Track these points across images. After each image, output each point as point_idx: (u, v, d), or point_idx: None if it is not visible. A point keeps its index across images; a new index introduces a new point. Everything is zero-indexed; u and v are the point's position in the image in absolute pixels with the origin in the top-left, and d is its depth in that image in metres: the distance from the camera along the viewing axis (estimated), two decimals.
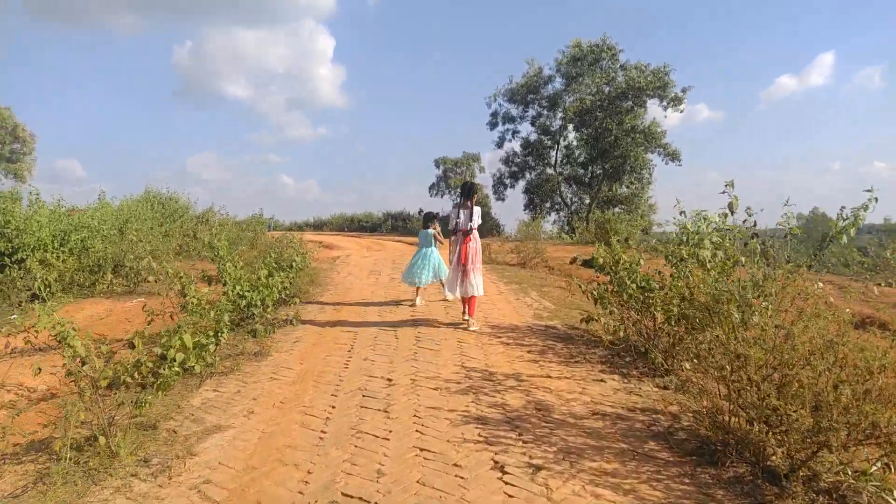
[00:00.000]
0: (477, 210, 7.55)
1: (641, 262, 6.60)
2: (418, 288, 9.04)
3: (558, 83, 31.04)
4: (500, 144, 33.69)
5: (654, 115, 30.28)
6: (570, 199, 33.34)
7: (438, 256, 9.05)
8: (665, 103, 28.32)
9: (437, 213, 9.42)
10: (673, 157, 28.58)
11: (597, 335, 6.91)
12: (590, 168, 31.12)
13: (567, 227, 30.24)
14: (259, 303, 7.85)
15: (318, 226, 41.74)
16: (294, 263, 9.54)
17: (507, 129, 33.39)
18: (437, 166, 37.88)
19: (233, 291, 7.66)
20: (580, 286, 6.87)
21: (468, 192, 7.62)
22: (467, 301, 7.55)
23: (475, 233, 7.51)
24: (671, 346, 5.71)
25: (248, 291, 7.89)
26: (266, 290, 8.06)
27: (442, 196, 37.08)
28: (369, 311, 8.53)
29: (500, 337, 6.90)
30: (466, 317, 7.56)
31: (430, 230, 9.13)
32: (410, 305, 8.93)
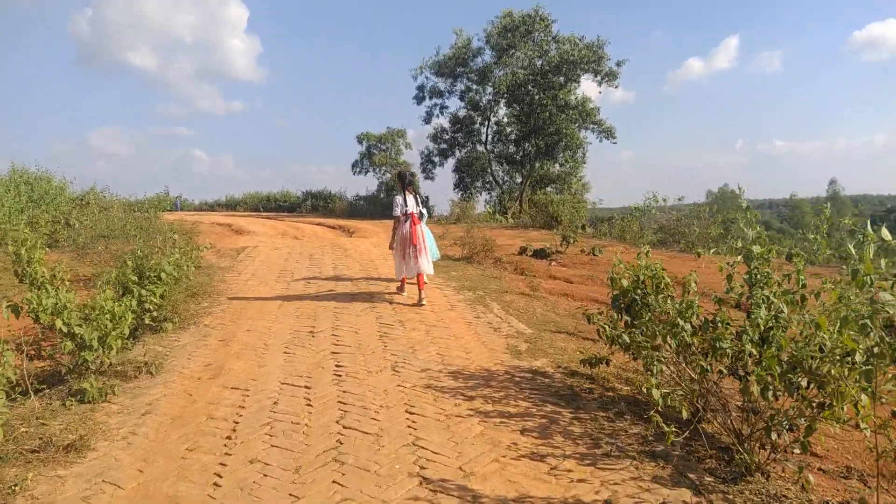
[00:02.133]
0: (418, 197, 7.88)
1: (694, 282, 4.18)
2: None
3: (488, 56, 28.55)
4: (427, 120, 30.96)
5: (584, 91, 28.39)
6: (502, 178, 31.12)
7: (430, 234, 8.50)
8: (599, 78, 26.37)
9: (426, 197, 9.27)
10: (608, 134, 26.78)
11: (614, 387, 4.52)
12: (522, 146, 28.91)
13: (499, 207, 28.02)
14: (97, 344, 4.99)
15: (232, 205, 37.77)
16: (164, 274, 6.64)
17: (435, 104, 30.65)
18: (360, 143, 34.64)
19: (46, 318, 4.83)
20: (591, 319, 4.45)
21: (404, 179, 7.88)
22: (419, 280, 7.50)
23: (423, 217, 7.80)
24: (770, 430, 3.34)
25: (80, 326, 5.02)
26: (109, 321, 5.20)
27: (365, 174, 33.93)
28: (271, 348, 5.80)
29: (470, 398, 4.36)
30: (422, 295, 7.42)
31: (424, 210, 8.27)
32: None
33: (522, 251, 12.67)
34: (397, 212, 7.58)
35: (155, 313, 6.45)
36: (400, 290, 8.04)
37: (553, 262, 12.02)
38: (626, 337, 4.04)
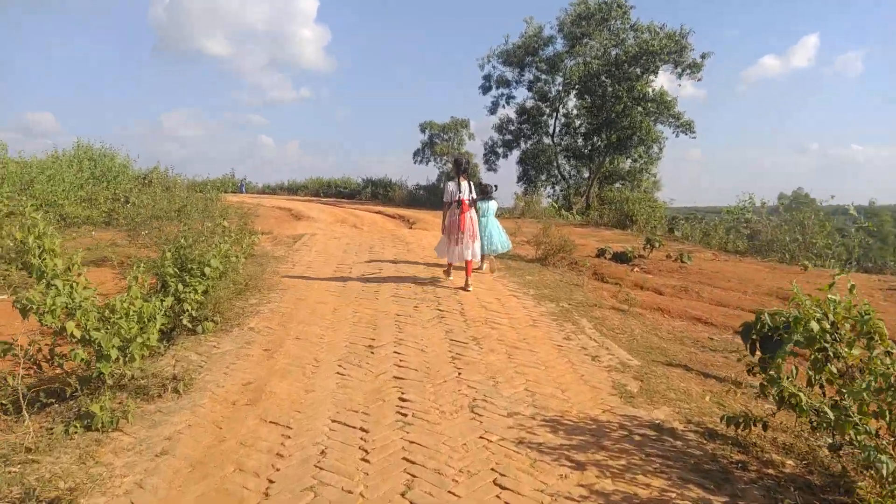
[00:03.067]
0: (472, 184, 7.67)
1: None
2: (484, 256, 8.48)
3: (559, 45, 26.97)
4: (493, 110, 29.63)
5: (660, 84, 26.46)
6: (569, 172, 29.57)
7: (499, 226, 8.77)
8: (680, 70, 24.47)
9: (496, 186, 9.04)
10: (686, 128, 24.85)
11: (772, 460, 3.29)
12: (591, 139, 27.28)
13: (564, 202, 26.52)
14: (116, 353, 4.08)
15: (293, 189, 37.48)
16: (209, 269, 5.73)
17: (502, 94, 29.28)
18: (423, 132, 33.67)
19: (51, 321, 3.97)
20: (754, 371, 3.24)
21: (460, 166, 7.72)
22: (466, 266, 7.48)
23: (475, 204, 7.69)
24: None
25: (97, 330, 4.12)
26: (132, 324, 4.29)
27: (427, 164, 32.99)
28: (322, 365, 4.77)
29: (579, 465, 3.19)
30: (469, 281, 7.43)
31: (493, 202, 8.79)
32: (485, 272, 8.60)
33: (600, 254, 11.36)
34: (447, 198, 7.53)
35: (194, 313, 5.55)
36: (447, 273, 8.00)
37: (636, 268, 10.68)
38: (828, 412, 2.78)
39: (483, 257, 8.52)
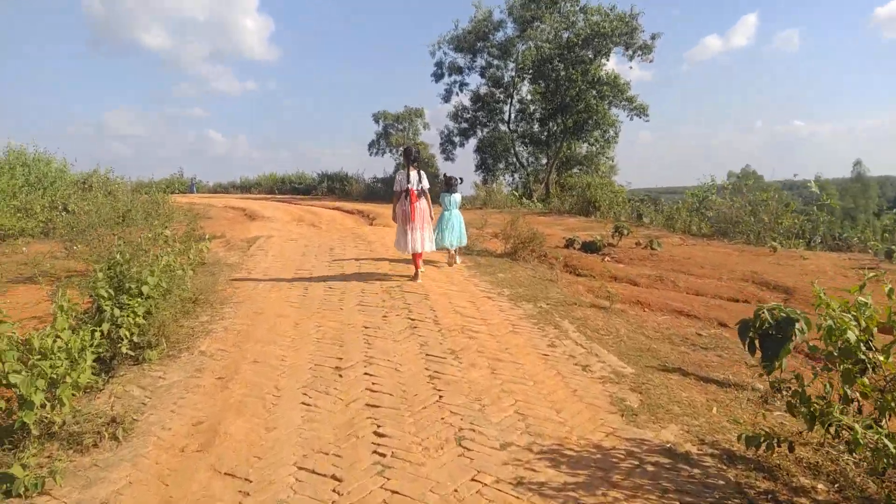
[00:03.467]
0: (422, 174, 7.59)
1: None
2: (449, 251, 8.58)
3: (510, 29, 26.53)
4: (446, 98, 29.08)
5: (611, 67, 26.29)
6: (527, 158, 29.26)
7: (461, 220, 8.69)
8: (630, 52, 24.33)
9: (461, 179, 9.16)
10: (640, 111, 24.76)
11: (803, 487, 2.90)
12: (547, 125, 26.99)
13: (523, 190, 26.18)
14: (42, 397, 3.46)
15: (246, 187, 36.20)
16: (146, 287, 5.08)
17: (455, 81, 28.73)
18: (377, 122, 32.88)
19: None
20: (776, 386, 2.83)
21: (409, 155, 7.64)
22: (416, 258, 7.53)
23: (425, 194, 7.53)
24: None
25: (17, 373, 3.49)
26: (60, 362, 3.68)
27: (382, 155, 32.19)
28: (284, 394, 4.21)
29: None
30: (420, 271, 7.53)
31: (457, 195, 8.76)
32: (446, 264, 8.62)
33: (569, 244, 10.99)
34: (397, 188, 7.49)
35: (136, 339, 4.91)
36: (414, 278, 7.56)
37: (607, 258, 10.35)
38: (889, 443, 2.38)
39: (447, 252, 8.64)
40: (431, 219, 7.67)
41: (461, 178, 9.16)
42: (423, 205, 7.44)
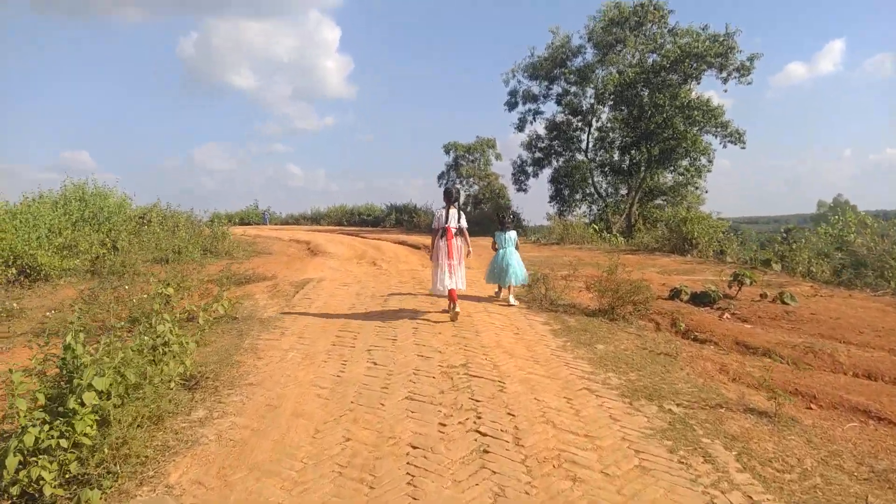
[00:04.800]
0: (462, 213, 7.33)
1: None
2: (508, 287, 8.16)
3: (590, 54, 24.61)
4: (520, 127, 27.30)
5: (696, 91, 23.78)
6: (605, 189, 26.96)
7: (518, 258, 8.32)
8: (725, 74, 21.79)
9: (513, 215, 9.04)
10: (735, 138, 22.09)
11: None
12: (629, 153, 24.69)
13: (601, 223, 23.88)
14: None
15: (317, 218, 35.54)
16: (89, 396, 3.42)
17: (529, 110, 26.97)
18: (447, 153, 31.51)
19: None
20: None
21: (450, 196, 7.35)
22: (453, 294, 7.05)
23: (463, 233, 7.29)
24: None
25: None
26: None
27: (455, 185, 30.80)
28: None
29: None
30: (455, 308, 7.05)
31: (512, 232, 8.38)
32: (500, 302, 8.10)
33: (674, 294, 8.81)
34: (435, 224, 7.37)
35: (75, 469, 3.24)
36: (453, 317, 7.11)
37: (726, 314, 8.13)
38: None
39: (501, 288, 8.44)
40: (468, 256, 7.38)
41: (514, 215, 9.17)
42: (459, 242, 7.22)
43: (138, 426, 3.69)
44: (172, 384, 4.52)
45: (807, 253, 12.05)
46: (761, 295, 8.89)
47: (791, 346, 6.61)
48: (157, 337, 4.57)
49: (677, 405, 4.33)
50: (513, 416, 4.06)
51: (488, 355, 5.51)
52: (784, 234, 20.93)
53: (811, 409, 4.81)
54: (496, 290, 8.57)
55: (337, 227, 30.44)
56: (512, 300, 8.10)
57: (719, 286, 9.15)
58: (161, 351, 4.54)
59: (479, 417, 4.04)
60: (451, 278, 7.00)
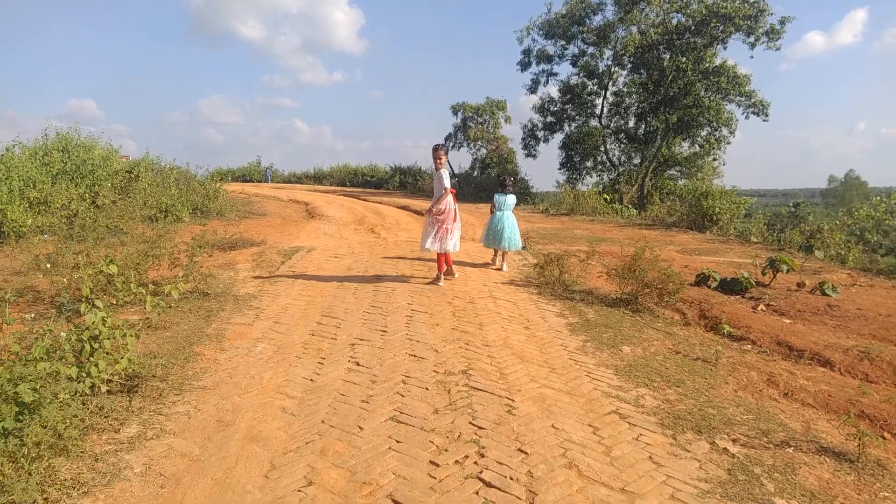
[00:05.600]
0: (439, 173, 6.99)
1: None
2: (503, 252, 8.20)
3: (610, 12, 23.06)
4: (533, 89, 25.93)
5: (723, 57, 22.31)
6: (619, 157, 25.74)
7: (514, 222, 8.13)
8: (753, 39, 20.34)
9: (513, 178, 9.01)
10: (759, 109, 20.76)
11: None
12: (646, 120, 23.40)
13: (612, 193, 22.75)
14: None
15: (319, 178, 34.40)
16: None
17: (543, 71, 25.56)
18: (455, 114, 30.18)
19: None
20: None
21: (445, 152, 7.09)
22: (443, 256, 7.06)
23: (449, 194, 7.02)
24: None
25: None
26: None
27: (459, 149, 29.51)
28: None
29: None
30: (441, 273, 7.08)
31: (512, 196, 8.22)
32: (495, 269, 8.17)
33: (701, 280, 7.85)
34: (448, 184, 7.03)
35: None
36: (437, 280, 7.13)
37: (762, 306, 7.19)
38: None
39: (497, 253, 8.36)
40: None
41: (514, 178, 9.32)
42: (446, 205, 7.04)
43: (33, 459, 2.80)
44: (104, 388, 3.63)
45: (838, 235, 11.00)
46: (798, 284, 7.92)
47: (842, 350, 5.68)
48: (85, 331, 3.65)
49: (733, 441, 3.41)
50: (525, 454, 3.15)
51: (494, 358, 4.57)
52: (793, 208, 19.75)
53: (884, 437, 3.89)
54: (493, 256, 8.52)
55: (339, 188, 29.36)
56: (504, 266, 8.15)
57: (751, 272, 8.18)
58: (89, 348, 3.62)
59: (483, 455, 3.12)
60: (451, 241, 6.97)
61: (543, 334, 5.18)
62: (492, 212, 8.20)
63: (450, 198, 6.99)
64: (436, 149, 6.96)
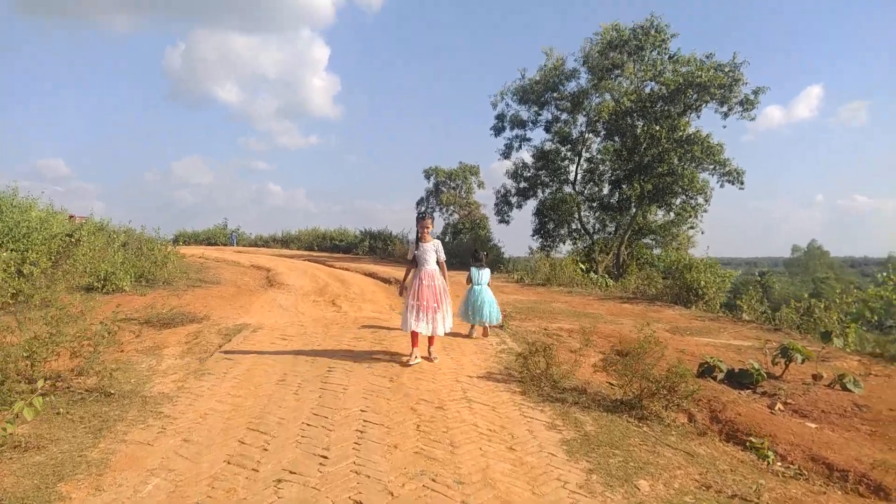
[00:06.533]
0: (436, 243, 6.36)
1: None
2: (483, 327, 7.89)
3: (584, 79, 22.88)
4: (506, 154, 25.44)
5: (697, 125, 22.19)
6: (593, 225, 25.10)
7: (492, 296, 7.92)
8: (726, 108, 20.19)
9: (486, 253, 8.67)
10: (734, 178, 20.39)
11: None
12: (621, 188, 22.92)
13: (587, 263, 21.90)
14: None
15: (286, 241, 33.10)
16: None
17: (516, 136, 25.16)
18: (428, 178, 29.60)
19: None
20: None
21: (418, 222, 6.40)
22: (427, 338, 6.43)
23: (434, 268, 6.31)
24: None
25: None
26: None
27: (432, 213, 28.74)
28: None
29: None
30: (429, 353, 6.48)
31: (487, 271, 8.08)
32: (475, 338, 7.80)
33: (705, 371, 6.77)
34: (410, 257, 6.58)
35: None
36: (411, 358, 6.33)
37: (778, 404, 6.11)
38: None
39: (473, 327, 7.95)
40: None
41: (486, 253, 9.26)
42: (430, 282, 6.30)
43: None
44: None
45: (835, 314, 10.10)
46: (814, 376, 6.88)
47: (878, 466, 4.58)
48: None
49: None
50: None
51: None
52: (759, 277, 18.99)
53: None
54: (470, 329, 8.04)
55: (306, 252, 28.10)
56: (487, 334, 7.96)
57: (760, 361, 7.14)
58: None
59: None
60: (421, 321, 6.19)
61: (534, 460, 3.97)
62: (468, 283, 7.98)
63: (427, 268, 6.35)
64: (422, 217, 6.38)
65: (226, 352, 6.82)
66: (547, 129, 24.26)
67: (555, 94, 23.09)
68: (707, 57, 19.98)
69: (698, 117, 21.05)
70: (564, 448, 4.17)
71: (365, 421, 4.53)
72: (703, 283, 12.59)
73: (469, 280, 7.98)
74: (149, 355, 6.73)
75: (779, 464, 4.69)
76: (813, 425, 5.70)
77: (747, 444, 5.08)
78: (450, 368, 6.23)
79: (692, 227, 23.06)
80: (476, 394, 5.34)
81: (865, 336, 9.91)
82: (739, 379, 6.75)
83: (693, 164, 20.65)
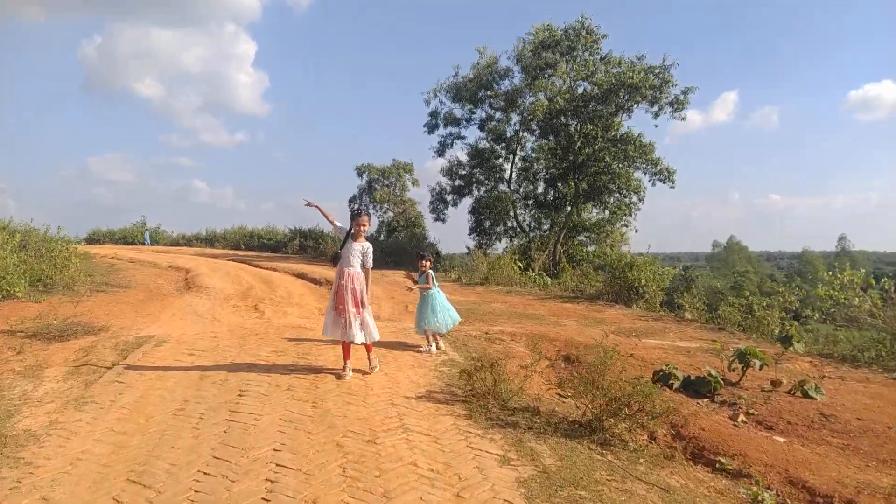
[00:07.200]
0: (366, 247, 5.75)
1: None
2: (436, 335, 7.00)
3: (517, 78, 22.47)
4: (440, 152, 24.69)
5: (629, 125, 22.22)
6: (529, 223, 24.70)
7: (444, 300, 7.08)
8: (657, 108, 20.22)
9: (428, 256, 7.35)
10: (665, 176, 20.46)
11: None
12: (555, 186, 22.62)
13: (524, 260, 21.48)
14: None
15: (211, 240, 31.18)
16: None
17: (450, 134, 24.48)
18: (360, 175, 28.50)
19: None
20: None
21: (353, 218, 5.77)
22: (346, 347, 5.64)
23: (358, 271, 5.67)
24: None
25: None
26: None
27: (368, 210, 27.66)
28: None
29: None
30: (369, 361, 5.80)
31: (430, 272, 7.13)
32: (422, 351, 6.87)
33: (660, 379, 6.21)
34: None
35: None
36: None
37: (741, 416, 5.62)
38: None
39: (431, 335, 7.05)
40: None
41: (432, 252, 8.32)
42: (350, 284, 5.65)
43: None
44: None
45: (777, 312, 9.92)
46: (773, 382, 6.45)
47: (883, 496, 4.08)
48: None
49: None
50: None
51: None
52: (682, 271, 19.14)
53: None
54: (427, 342, 7.10)
55: (232, 252, 26.44)
56: (441, 345, 7.08)
57: (714, 365, 6.67)
58: None
59: None
60: (341, 328, 5.58)
61: None
62: (424, 285, 7.06)
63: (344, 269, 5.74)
64: (358, 213, 5.78)
65: (121, 371, 5.71)
66: (481, 128, 23.73)
67: (489, 93, 22.56)
68: (638, 59, 19.98)
69: (629, 117, 21.06)
70: (522, 491, 3.41)
71: (278, 465, 3.62)
72: (643, 281, 12.25)
73: (425, 281, 7.03)
74: (26, 377, 5.55)
75: (756, 489, 4.11)
76: (781, 439, 5.21)
77: (717, 464, 4.52)
78: (383, 387, 5.38)
79: (626, 225, 23.09)
80: (415, 420, 4.52)
81: (804, 331, 9.73)
82: (696, 387, 6.25)
83: (627, 163, 20.59)
